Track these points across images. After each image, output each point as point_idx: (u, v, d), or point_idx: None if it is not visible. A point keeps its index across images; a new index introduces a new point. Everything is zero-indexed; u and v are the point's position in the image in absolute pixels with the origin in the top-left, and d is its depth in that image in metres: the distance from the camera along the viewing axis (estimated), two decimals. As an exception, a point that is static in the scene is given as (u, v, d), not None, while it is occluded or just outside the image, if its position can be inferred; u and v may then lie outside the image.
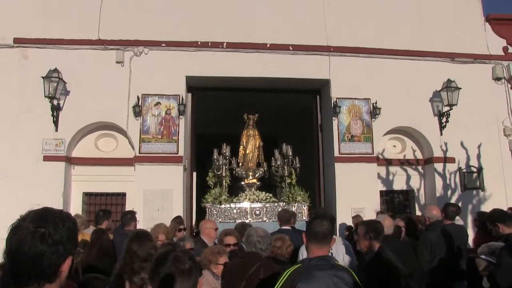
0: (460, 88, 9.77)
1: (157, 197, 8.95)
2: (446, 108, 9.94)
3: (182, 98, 9.49)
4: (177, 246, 2.29)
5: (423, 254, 5.49)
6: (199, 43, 9.68)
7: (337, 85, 9.95)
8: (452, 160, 10.05)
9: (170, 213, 8.47)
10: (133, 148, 9.33)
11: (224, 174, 10.05)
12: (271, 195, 10.03)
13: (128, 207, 8.93)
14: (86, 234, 6.08)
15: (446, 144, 10.05)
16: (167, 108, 9.41)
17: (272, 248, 4.38)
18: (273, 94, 11.07)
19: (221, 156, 10.05)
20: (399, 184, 10.30)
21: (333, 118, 9.84)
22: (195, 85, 10.13)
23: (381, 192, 10.05)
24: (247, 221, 8.93)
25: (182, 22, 9.74)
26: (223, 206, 9.46)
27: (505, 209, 7.57)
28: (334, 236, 3.78)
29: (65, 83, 8.94)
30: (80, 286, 2.77)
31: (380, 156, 10.15)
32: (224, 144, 10.15)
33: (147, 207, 8.86)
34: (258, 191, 10.01)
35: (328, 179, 10.20)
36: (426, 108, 10.19)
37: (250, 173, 10.33)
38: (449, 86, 9.77)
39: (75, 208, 9.14)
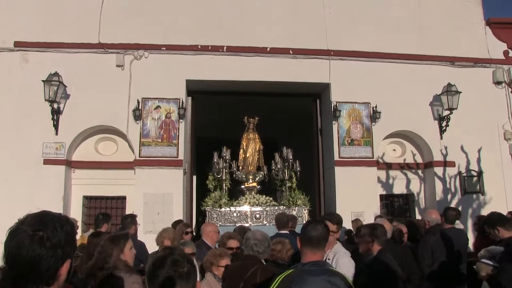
0: (461, 92, 9.77)
1: (157, 200, 8.94)
2: (446, 112, 9.94)
3: (182, 101, 9.49)
4: (175, 250, 2.28)
5: (423, 258, 5.47)
6: (199, 46, 9.69)
7: (337, 89, 9.95)
8: (452, 164, 10.04)
9: (170, 217, 8.48)
10: (133, 151, 9.33)
11: (224, 177, 10.03)
12: (271, 198, 10.02)
13: (128, 211, 8.94)
14: (86, 238, 6.06)
15: (446, 148, 10.05)
16: (167, 111, 9.42)
17: (272, 252, 4.38)
18: (273, 98, 11.07)
19: (221, 159, 10.04)
20: (399, 188, 10.29)
21: (333, 122, 9.84)
22: (195, 89, 10.14)
23: (381, 196, 10.04)
24: (247, 224, 8.94)
25: (182, 26, 9.75)
26: (223, 209, 9.45)
27: (505, 213, 7.58)
28: (336, 240, 3.80)
29: (65, 86, 8.95)
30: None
31: (380, 160, 10.15)
32: (224, 147, 10.13)
33: (147, 211, 8.85)
34: (258, 194, 10.00)
35: (328, 183, 10.19)
36: (426, 112, 10.19)
37: (250, 177, 10.32)
38: (449, 90, 9.77)
39: (75, 211, 9.14)
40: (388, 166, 10.21)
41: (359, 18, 10.33)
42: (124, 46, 9.51)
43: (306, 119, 11.45)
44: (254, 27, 9.94)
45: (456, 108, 9.78)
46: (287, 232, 6.32)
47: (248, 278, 3.66)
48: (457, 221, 6.79)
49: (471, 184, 10.03)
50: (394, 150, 10.59)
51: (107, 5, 9.62)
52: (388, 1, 10.65)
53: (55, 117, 8.97)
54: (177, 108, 9.42)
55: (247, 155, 10.74)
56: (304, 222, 9.23)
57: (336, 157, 9.71)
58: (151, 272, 2.11)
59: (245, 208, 9.58)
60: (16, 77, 9.18)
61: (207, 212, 9.44)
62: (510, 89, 10.61)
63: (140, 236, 7.10)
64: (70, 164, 9.26)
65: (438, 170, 10.01)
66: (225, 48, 9.74)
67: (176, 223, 7.04)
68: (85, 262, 4.50)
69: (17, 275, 1.51)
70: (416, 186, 10.38)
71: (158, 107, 9.41)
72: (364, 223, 8.10)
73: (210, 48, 9.71)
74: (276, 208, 9.56)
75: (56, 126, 9.00)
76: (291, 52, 9.91)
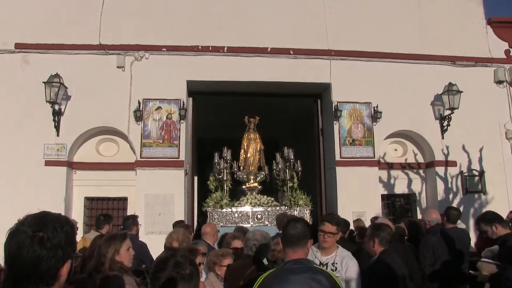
0: (462, 92, 9.76)
1: (158, 201, 8.95)
2: (447, 112, 9.93)
3: (183, 102, 9.50)
4: (178, 251, 2.27)
5: (425, 258, 5.46)
6: (200, 47, 9.69)
7: (338, 89, 9.95)
8: (454, 163, 10.03)
9: (172, 218, 8.48)
10: (134, 152, 9.33)
11: (225, 178, 10.03)
12: (272, 199, 10.01)
13: (129, 212, 8.95)
14: (88, 239, 6.06)
15: (447, 147, 10.03)
16: (168, 112, 9.42)
17: (272, 252, 4.40)
18: (274, 98, 11.07)
19: (222, 159, 10.04)
20: (400, 188, 10.27)
21: (334, 122, 9.84)
22: (196, 90, 10.14)
23: (382, 196, 10.03)
24: (248, 225, 8.94)
25: (183, 26, 9.76)
26: (224, 210, 9.44)
27: (506, 212, 7.59)
28: (336, 244, 3.81)
29: (66, 88, 8.96)
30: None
31: (381, 160, 10.14)
32: (225, 147, 10.13)
33: (148, 212, 8.86)
34: (259, 195, 9.99)
35: (329, 183, 10.19)
36: (427, 112, 10.18)
37: (251, 177, 10.30)
38: (451, 89, 9.76)
39: (77, 212, 9.15)
40: (390, 166, 10.20)
41: (360, 17, 10.32)
42: (125, 47, 9.51)
43: (307, 119, 11.44)
44: (255, 28, 9.93)
45: (458, 108, 9.77)
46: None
47: (247, 277, 3.68)
48: (459, 221, 6.78)
49: (473, 183, 10.01)
50: (395, 150, 10.58)
51: (108, 6, 9.63)
52: (388, 0, 10.63)
53: (56, 119, 8.98)
54: (178, 109, 9.42)
55: (248, 155, 10.73)
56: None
57: (337, 157, 9.71)
58: (154, 274, 2.11)
59: (247, 208, 9.58)
60: (17, 79, 9.20)
61: (208, 213, 9.43)
62: (511, 88, 10.59)
63: (142, 237, 7.11)
64: (71, 165, 9.27)
65: (440, 170, 10.00)
66: (225, 48, 9.74)
67: (177, 224, 7.04)
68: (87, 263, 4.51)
69: (17, 276, 1.51)
70: (417, 186, 10.36)
71: (159, 108, 9.41)
72: (366, 223, 8.13)
73: (210, 48, 9.72)
74: (278, 208, 9.56)
75: (57, 128, 9.01)
76: (291, 52, 9.90)
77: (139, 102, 9.30)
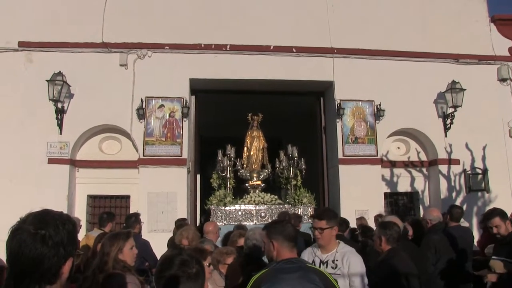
0: (465, 90, 9.72)
1: (161, 199, 8.96)
2: (450, 110, 9.90)
3: (185, 100, 9.50)
4: (184, 250, 2.26)
5: (427, 257, 5.44)
6: (202, 45, 9.69)
7: (341, 87, 9.93)
8: (457, 162, 10.00)
9: (174, 216, 8.48)
10: (137, 150, 9.34)
11: (228, 175, 10.02)
12: (276, 197, 10.00)
13: (132, 210, 8.95)
14: (91, 236, 6.07)
15: (450, 145, 10.00)
16: (170, 110, 9.43)
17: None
18: (277, 96, 11.05)
19: (225, 157, 10.03)
20: (403, 186, 10.26)
21: (337, 120, 9.82)
22: (199, 88, 10.14)
23: (385, 194, 10.02)
24: (251, 223, 8.94)
25: (186, 24, 9.75)
26: (227, 208, 9.43)
27: (510, 211, 7.54)
28: (337, 240, 3.77)
29: (69, 86, 8.98)
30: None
31: (384, 158, 10.12)
32: (229, 145, 10.11)
33: (151, 210, 8.87)
34: (263, 193, 9.98)
35: (332, 181, 10.17)
36: (430, 110, 10.15)
37: (255, 175, 10.29)
38: (454, 87, 9.73)
39: (80, 210, 9.18)
40: (392, 164, 10.18)
41: (363, 15, 10.29)
42: (128, 46, 9.52)
43: (310, 117, 11.43)
44: (257, 26, 9.92)
45: (461, 106, 9.73)
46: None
47: (246, 276, 3.70)
48: (462, 219, 6.76)
49: (476, 182, 9.98)
50: (398, 148, 10.55)
51: (111, 4, 9.64)
52: (391, -2, 10.60)
53: (59, 117, 8.99)
54: (180, 107, 9.43)
55: (251, 153, 10.71)
56: (310, 220, 9.25)
57: (340, 155, 9.70)
58: (159, 272, 2.10)
59: (250, 206, 9.56)
60: (20, 77, 9.22)
61: (211, 211, 9.41)
62: (515, 86, 10.55)
63: (145, 235, 7.11)
64: (74, 163, 9.29)
65: (443, 168, 9.97)
66: (228, 46, 9.73)
67: (179, 222, 7.04)
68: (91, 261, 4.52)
69: (20, 274, 1.51)
70: (420, 184, 10.34)
71: (161, 106, 9.42)
72: (369, 221, 8.12)
73: (213, 46, 9.71)
74: (282, 206, 9.54)
75: (60, 126, 9.03)
76: (294, 50, 9.89)
77: (141, 100, 9.31)
